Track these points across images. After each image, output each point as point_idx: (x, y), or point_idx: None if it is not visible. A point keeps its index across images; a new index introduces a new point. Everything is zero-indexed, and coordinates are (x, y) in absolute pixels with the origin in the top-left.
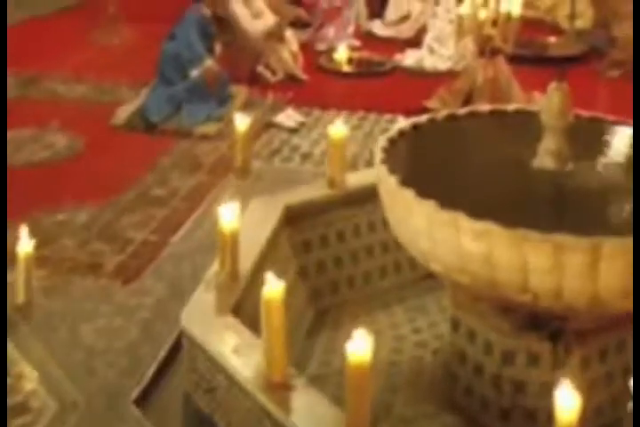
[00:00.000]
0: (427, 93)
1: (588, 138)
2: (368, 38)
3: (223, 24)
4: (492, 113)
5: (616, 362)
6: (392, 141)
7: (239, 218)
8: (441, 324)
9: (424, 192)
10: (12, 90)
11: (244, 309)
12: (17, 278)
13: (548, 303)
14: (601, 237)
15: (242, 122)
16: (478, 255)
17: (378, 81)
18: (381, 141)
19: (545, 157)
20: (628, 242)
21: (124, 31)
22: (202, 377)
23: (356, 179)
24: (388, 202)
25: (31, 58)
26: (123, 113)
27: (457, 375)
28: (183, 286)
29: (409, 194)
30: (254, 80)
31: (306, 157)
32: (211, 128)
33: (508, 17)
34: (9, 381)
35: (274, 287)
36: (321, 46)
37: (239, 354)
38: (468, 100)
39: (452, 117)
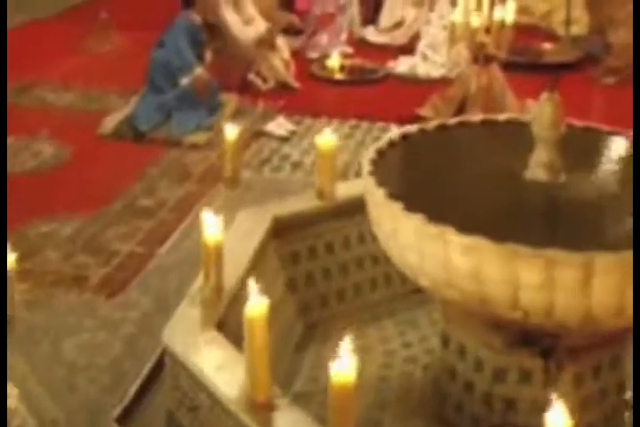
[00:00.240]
0: (420, 101)
1: (581, 148)
2: (361, 45)
3: (214, 31)
4: (484, 123)
5: (610, 379)
6: (381, 152)
7: (224, 230)
8: (432, 338)
9: (413, 205)
10: None
11: (229, 324)
12: None
13: (538, 320)
14: (594, 253)
15: (231, 131)
16: (467, 271)
17: (370, 88)
18: (370, 153)
19: (537, 168)
20: (621, 257)
21: (115, 38)
22: (185, 395)
23: (345, 189)
24: (376, 215)
25: (22, 65)
26: (110, 122)
27: (447, 392)
28: (169, 300)
29: (397, 207)
30: (245, 88)
31: (296, 166)
32: (200, 137)
33: (502, 24)
34: None
35: (257, 305)
36: (313, 54)
37: (222, 372)
38: (461, 108)
39: (442, 127)
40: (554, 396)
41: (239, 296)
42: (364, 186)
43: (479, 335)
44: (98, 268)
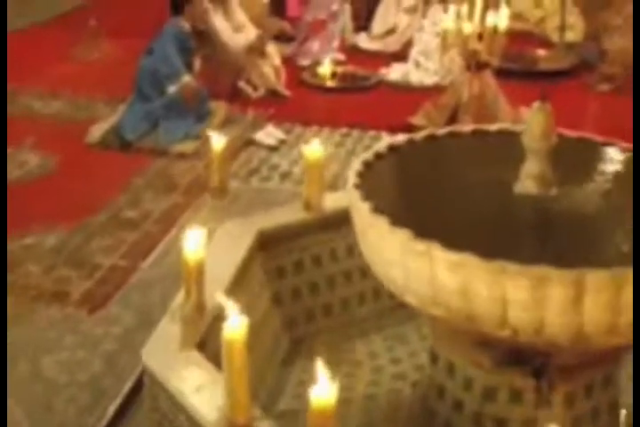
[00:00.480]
0: (412, 109)
1: (574, 160)
2: (353, 52)
3: (203, 38)
4: (474, 133)
5: (602, 397)
6: (367, 164)
7: (208, 243)
8: (421, 353)
9: (399, 219)
10: None
11: (211, 342)
12: None
13: (528, 339)
14: (585, 270)
15: (218, 140)
16: (454, 288)
17: (362, 96)
18: (356, 164)
19: (527, 181)
20: (614, 274)
21: (104, 46)
22: (164, 416)
23: (333, 201)
24: (361, 230)
25: (9, 73)
26: (97, 131)
27: (436, 411)
28: (152, 315)
29: (382, 222)
30: (235, 96)
31: (285, 176)
32: (188, 146)
33: (495, 30)
34: None
35: (236, 325)
36: (304, 61)
37: (202, 393)
38: (454, 116)
39: (431, 138)
40: (545, 416)
41: (222, 313)
42: (349, 199)
43: (468, 353)
44: (80, 282)
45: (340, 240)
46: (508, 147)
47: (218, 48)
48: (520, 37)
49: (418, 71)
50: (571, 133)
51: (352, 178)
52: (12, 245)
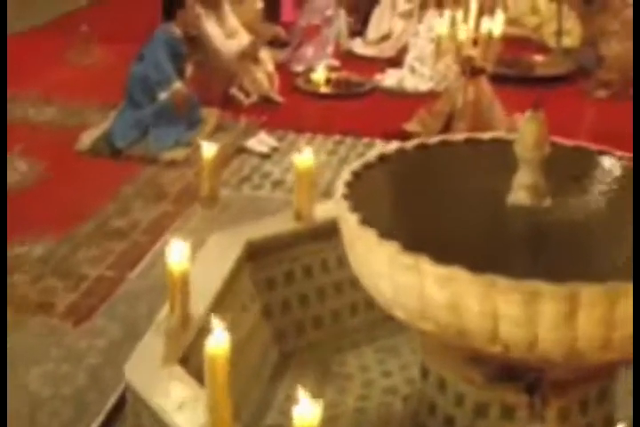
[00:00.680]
0: (407, 115)
1: (568, 169)
2: (348, 58)
3: (195, 44)
4: (467, 142)
5: (597, 413)
6: (356, 174)
7: (192, 256)
8: (413, 366)
9: (389, 231)
10: None
11: (196, 357)
12: None
13: (520, 355)
14: (578, 284)
15: (209, 148)
16: (443, 303)
17: (356, 102)
18: (345, 174)
19: (520, 192)
20: (608, 289)
21: (97, 51)
22: None
23: (324, 210)
24: (349, 241)
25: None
26: (88, 138)
27: None
28: (138, 328)
29: (370, 234)
30: (227, 102)
31: (277, 184)
32: (178, 154)
33: (490, 36)
34: None
35: (218, 342)
36: (298, 67)
37: (184, 410)
38: (448, 123)
39: (423, 147)
40: None
41: (208, 326)
42: (337, 210)
43: (459, 369)
44: (66, 293)
45: (331, 251)
46: (502, 156)
47: (210, 54)
48: (517, 43)
49: (413, 77)
50: (565, 142)
51: (340, 188)
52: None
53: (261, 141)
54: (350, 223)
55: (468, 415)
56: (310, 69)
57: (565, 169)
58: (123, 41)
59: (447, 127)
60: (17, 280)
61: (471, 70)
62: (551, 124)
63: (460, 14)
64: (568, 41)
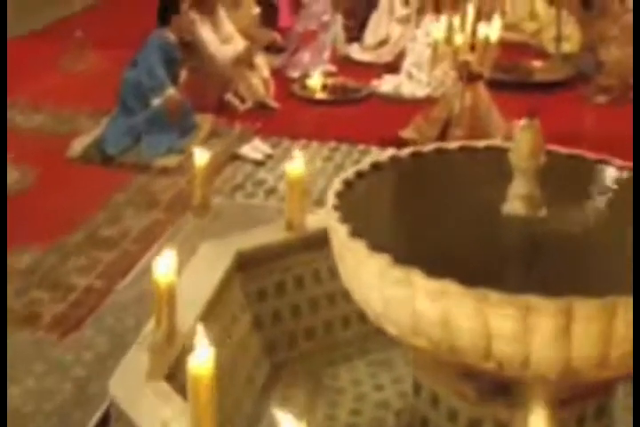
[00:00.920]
0: (403, 122)
1: (565, 179)
2: (345, 63)
3: (190, 49)
4: (462, 150)
5: None
6: (348, 184)
7: (179, 268)
8: (405, 380)
9: (379, 243)
10: None
11: (182, 372)
12: None
13: (514, 372)
14: (573, 298)
15: (201, 155)
16: (435, 318)
17: (352, 109)
18: (335, 184)
19: (515, 202)
20: (604, 303)
21: (91, 57)
22: None
23: (316, 220)
24: (339, 253)
25: None
26: (79, 145)
27: None
28: (125, 340)
29: (360, 246)
30: (222, 109)
31: (270, 192)
32: (171, 161)
33: (487, 41)
34: None
35: (201, 361)
36: (294, 73)
37: None
38: (445, 130)
39: (416, 155)
40: None
41: (194, 341)
42: (327, 221)
43: (452, 384)
44: (52, 304)
45: (323, 261)
46: (497, 164)
47: (205, 60)
48: (515, 48)
49: (410, 83)
50: (562, 150)
51: (331, 198)
52: None
53: (255, 148)
54: (340, 235)
55: None
56: (306, 75)
57: (562, 178)
58: (117, 46)
59: (444, 134)
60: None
61: (468, 76)
62: (550, 131)
63: (456, 19)
64: (567, 46)
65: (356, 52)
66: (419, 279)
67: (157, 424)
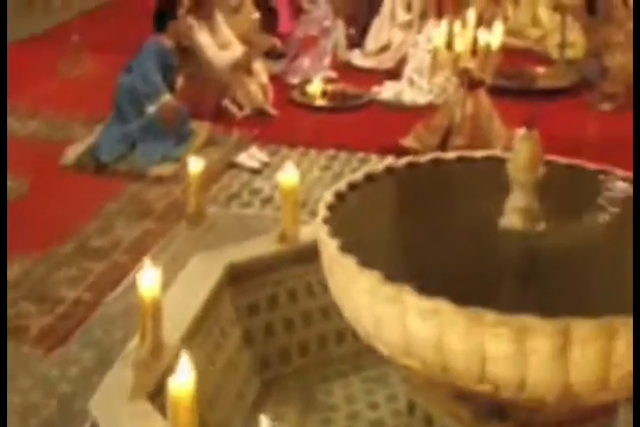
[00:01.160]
0: (404, 129)
1: (564, 191)
2: (346, 69)
3: (187, 55)
4: (459, 160)
5: None
6: (340, 196)
7: (164, 282)
8: (401, 397)
9: (370, 259)
10: None
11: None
12: None
13: (510, 395)
14: (570, 319)
15: (196, 163)
16: (427, 338)
17: (352, 116)
18: (327, 196)
19: (512, 215)
20: (602, 323)
21: (87, 62)
22: None
23: (310, 231)
24: (328, 269)
25: None
26: (73, 152)
27: None
28: (112, 354)
29: (350, 262)
30: (219, 115)
31: (267, 201)
32: (165, 169)
33: (488, 48)
34: None
35: (182, 382)
36: (294, 79)
37: None
38: (446, 138)
39: (412, 166)
40: None
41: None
42: (317, 235)
43: (446, 405)
44: (40, 316)
45: (316, 274)
46: (496, 175)
47: (202, 66)
48: (519, 54)
49: (412, 90)
50: (561, 160)
51: (321, 211)
52: None
53: (252, 156)
54: (330, 249)
55: None
56: (306, 81)
57: (562, 190)
58: (114, 52)
59: (444, 142)
60: None
61: (469, 83)
62: (553, 139)
63: (457, 25)
64: (571, 52)
65: (357, 57)
66: (410, 297)
67: None
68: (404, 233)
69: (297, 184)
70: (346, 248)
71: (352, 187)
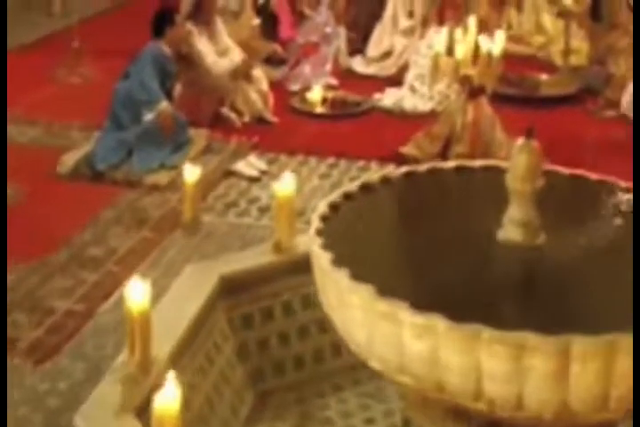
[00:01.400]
0: (405, 137)
1: (565, 202)
2: (348, 76)
3: (185, 62)
4: (457, 170)
5: None
6: (334, 207)
7: (150, 296)
8: (397, 412)
9: (364, 272)
10: None
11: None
12: None
13: (507, 413)
14: (570, 336)
15: (192, 172)
16: (422, 356)
17: (353, 123)
18: (321, 207)
19: (511, 227)
20: (603, 341)
21: (86, 68)
22: None
23: (306, 242)
24: (321, 283)
25: None
26: (69, 160)
27: None
28: (102, 367)
29: (343, 275)
30: (217, 123)
31: (264, 210)
32: (162, 177)
33: (489, 55)
34: None
35: (167, 400)
36: (294, 86)
37: None
38: (447, 146)
39: (410, 176)
40: None
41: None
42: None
43: (442, 422)
44: (31, 328)
45: (312, 285)
46: (494, 186)
47: (201, 72)
48: (523, 61)
49: (413, 97)
50: (562, 171)
51: (314, 222)
52: None
53: (250, 164)
54: (322, 262)
55: None
56: (306, 88)
57: (562, 201)
58: (113, 58)
59: (445, 150)
60: None
61: (470, 90)
62: (556, 147)
63: (458, 32)
64: (575, 59)
65: (358, 64)
66: (405, 314)
67: None
68: (400, 245)
69: (293, 194)
70: (339, 261)
71: (347, 197)
